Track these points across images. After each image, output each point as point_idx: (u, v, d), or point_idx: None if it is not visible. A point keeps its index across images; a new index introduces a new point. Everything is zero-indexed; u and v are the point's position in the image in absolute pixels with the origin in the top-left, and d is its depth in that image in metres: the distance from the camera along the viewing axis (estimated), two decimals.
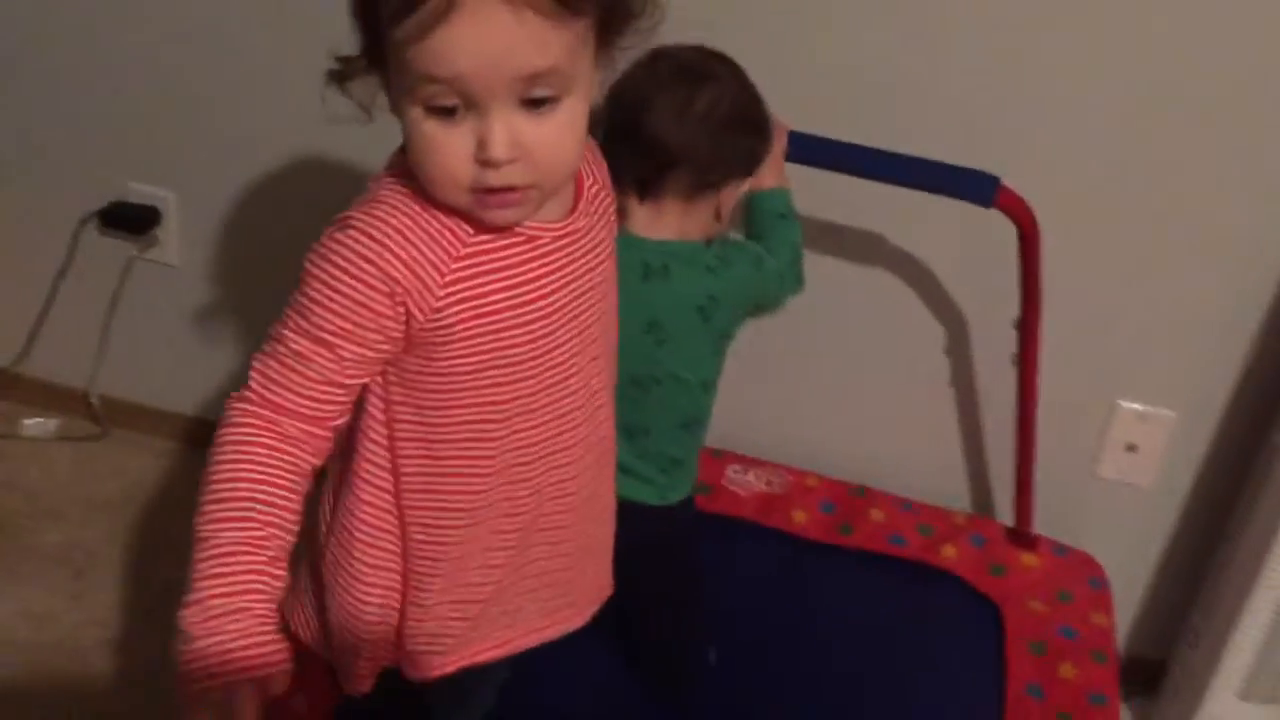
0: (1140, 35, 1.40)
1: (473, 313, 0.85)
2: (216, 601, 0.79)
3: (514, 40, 0.76)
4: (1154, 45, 1.40)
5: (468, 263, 0.85)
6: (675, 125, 1.13)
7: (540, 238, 0.88)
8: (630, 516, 1.22)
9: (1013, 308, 1.46)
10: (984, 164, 1.30)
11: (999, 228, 1.34)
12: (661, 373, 1.19)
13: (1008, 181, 1.29)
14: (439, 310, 0.84)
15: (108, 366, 1.99)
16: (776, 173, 1.27)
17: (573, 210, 0.91)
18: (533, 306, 0.87)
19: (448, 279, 0.84)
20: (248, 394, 0.84)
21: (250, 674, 0.78)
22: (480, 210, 0.83)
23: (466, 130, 0.79)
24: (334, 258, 0.82)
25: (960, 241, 1.55)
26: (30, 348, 2.01)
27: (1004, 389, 1.58)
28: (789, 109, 1.28)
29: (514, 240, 0.87)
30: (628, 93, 1.14)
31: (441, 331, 0.85)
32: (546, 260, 0.88)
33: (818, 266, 1.63)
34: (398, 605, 0.95)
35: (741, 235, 1.29)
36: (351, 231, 0.83)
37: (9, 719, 1.56)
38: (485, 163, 0.79)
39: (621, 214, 1.16)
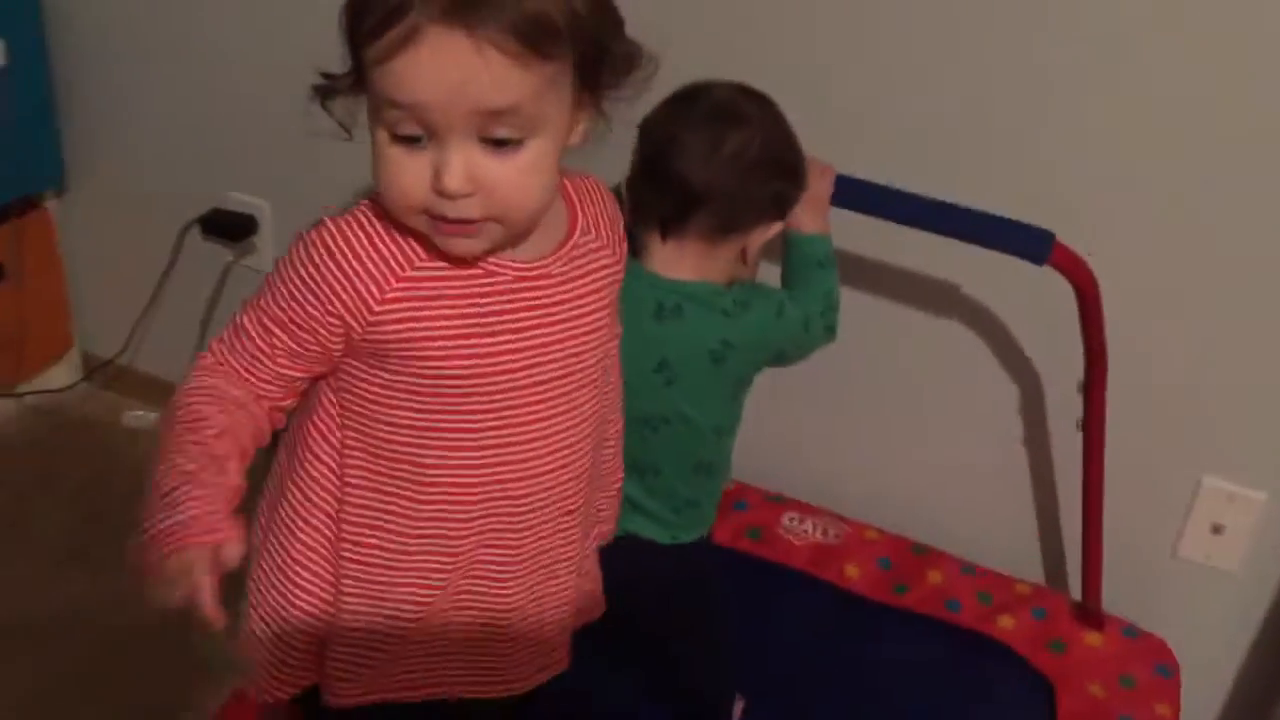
0: (1228, 81, 1.31)
1: (409, 333, 0.85)
2: (175, 491, 0.80)
3: (473, 75, 0.75)
4: (1238, 93, 1.31)
5: (410, 286, 0.84)
6: (702, 166, 1.09)
7: (501, 274, 0.87)
8: (640, 554, 1.21)
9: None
10: (1052, 219, 1.22)
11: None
12: (670, 413, 1.15)
13: (1067, 239, 1.22)
14: (374, 325, 0.84)
15: None
16: (818, 217, 1.22)
17: (551, 255, 0.89)
18: (479, 341, 0.86)
19: (388, 296, 0.84)
20: (210, 346, 0.89)
21: (204, 540, 0.78)
22: (436, 236, 0.83)
23: (426, 159, 0.79)
24: (295, 255, 0.85)
25: (1037, 294, 1.47)
26: (134, 343, 2.10)
27: (1079, 455, 1.49)
28: (835, 153, 1.23)
29: (471, 272, 0.86)
30: (657, 129, 1.11)
31: (379, 345, 0.85)
32: (503, 298, 0.87)
33: (889, 314, 1.59)
34: (325, 615, 0.94)
35: (772, 278, 1.24)
36: (314, 237, 0.85)
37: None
38: (440, 193, 0.79)
39: (642, 250, 1.14)
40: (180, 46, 1.84)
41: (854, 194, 1.25)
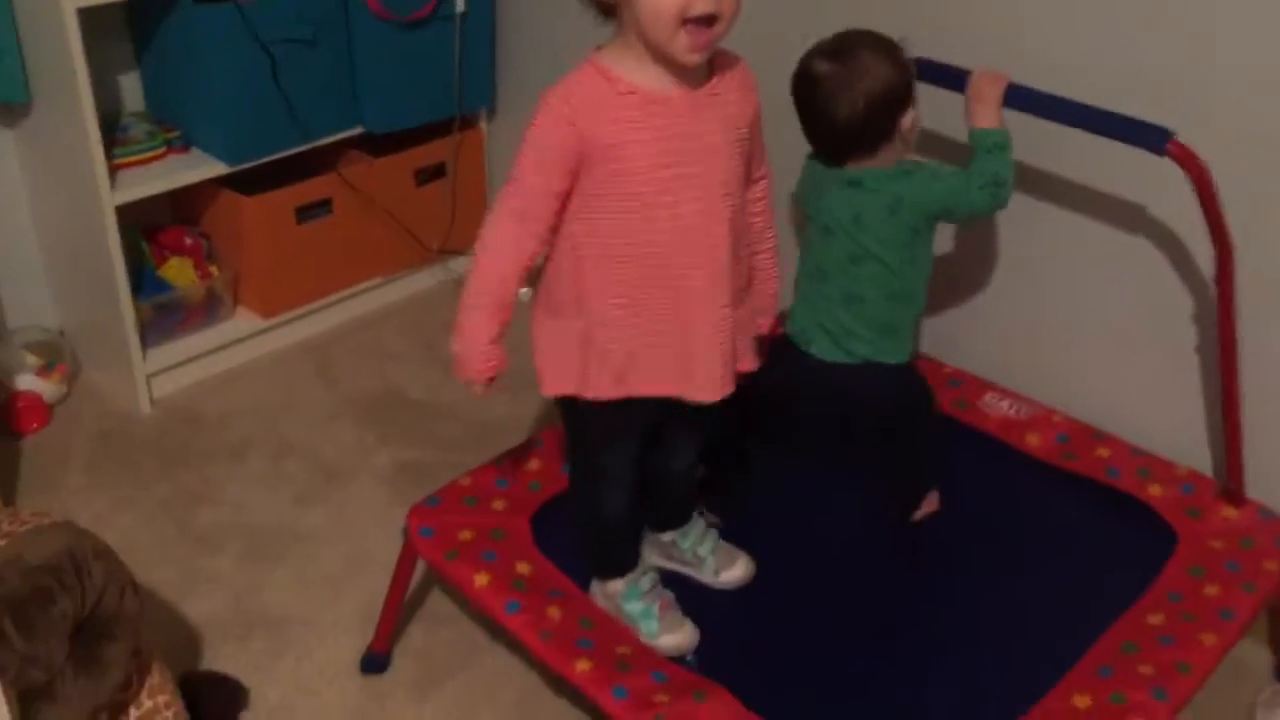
0: None
1: (614, 140, 1.37)
2: (471, 332, 1.44)
3: None
4: None
5: (618, 108, 1.37)
6: (843, 119, 1.60)
7: (669, 99, 1.39)
8: (846, 377, 1.70)
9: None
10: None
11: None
12: (864, 252, 1.64)
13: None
14: (595, 135, 1.37)
15: None
16: (986, 114, 1.64)
17: (699, 89, 1.40)
18: (656, 143, 1.38)
19: (603, 117, 1.37)
20: (500, 205, 1.44)
21: (482, 365, 1.43)
22: (684, 44, 1.32)
23: None
24: (536, 117, 1.40)
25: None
26: None
27: (1249, 363, 1.73)
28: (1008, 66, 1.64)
29: (649, 101, 1.38)
30: (796, 98, 1.65)
31: (598, 151, 1.37)
32: (670, 116, 1.39)
33: (1081, 228, 1.92)
34: (577, 334, 1.48)
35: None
36: (546, 97, 1.39)
37: None
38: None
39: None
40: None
41: (1019, 98, 1.64)
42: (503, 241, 1.43)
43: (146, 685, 1.51)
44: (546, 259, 1.49)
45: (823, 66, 1.62)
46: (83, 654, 1.39)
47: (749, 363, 1.58)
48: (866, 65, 1.60)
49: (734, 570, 1.74)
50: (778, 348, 1.74)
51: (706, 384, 1.51)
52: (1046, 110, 1.64)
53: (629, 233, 1.42)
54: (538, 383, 1.55)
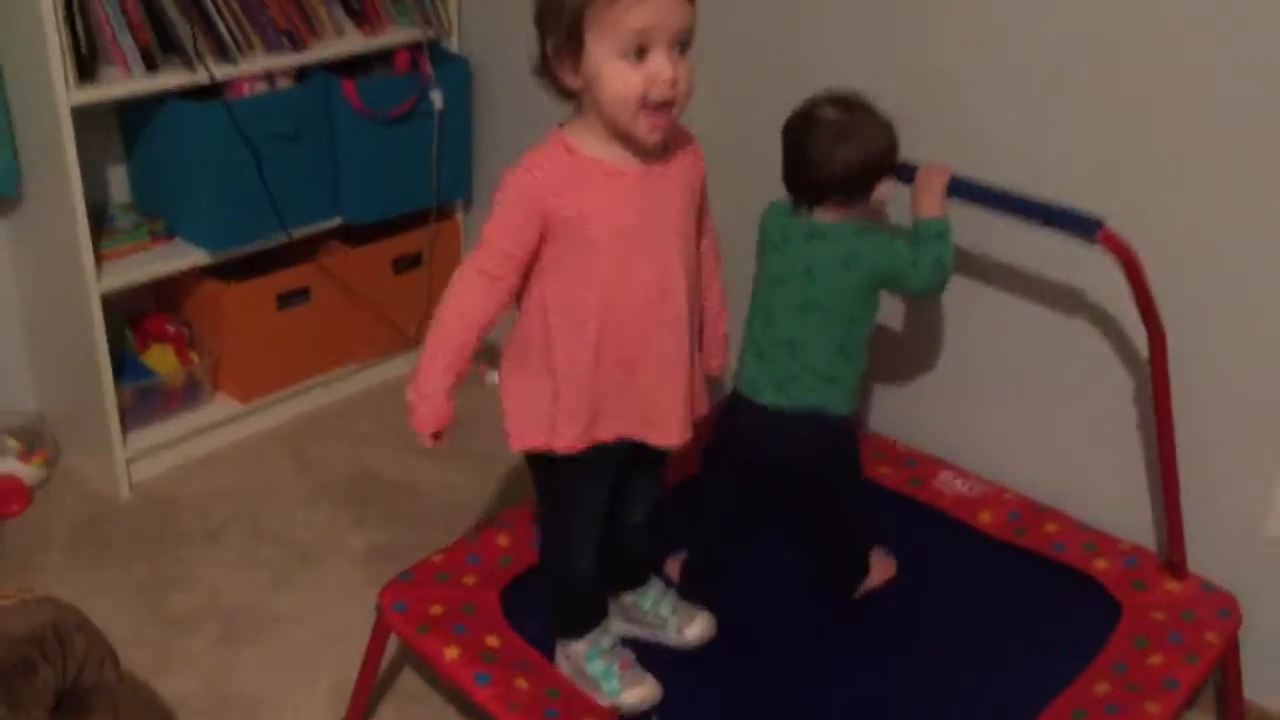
0: None
1: (577, 212, 1.47)
2: (428, 382, 1.52)
3: (676, 8, 1.40)
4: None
5: (579, 181, 1.48)
6: (823, 169, 1.70)
7: (626, 173, 1.49)
8: (789, 422, 1.77)
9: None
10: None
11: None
12: (813, 303, 1.72)
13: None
14: (557, 206, 1.47)
15: None
16: (935, 203, 1.74)
17: (654, 162, 1.51)
18: (616, 214, 1.49)
19: (566, 190, 1.47)
20: (468, 264, 1.53)
21: (433, 418, 1.51)
22: (644, 126, 1.43)
23: (641, 70, 1.40)
24: (502, 186, 1.50)
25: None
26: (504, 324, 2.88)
27: (1188, 439, 1.83)
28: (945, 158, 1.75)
29: (610, 174, 1.48)
30: (789, 139, 1.74)
31: (561, 221, 1.48)
32: (628, 188, 1.49)
33: (1041, 320, 2.02)
34: (547, 388, 1.56)
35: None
36: (513, 170, 1.50)
37: None
38: (661, 81, 1.39)
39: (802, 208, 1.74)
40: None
41: (961, 188, 1.75)
42: (468, 299, 1.52)
43: None
44: (516, 319, 1.58)
45: (830, 113, 1.72)
46: None
47: (702, 405, 1.69)
48: (870, 124, 1.72)
49: (695, 627, 1.81)
50: (729, 401, 1.83)
51: (672, 428, 1.61)
52: (986, 200, 1.75)
53: (594, 295, 1.52)
54: (506, 438, 1.63)
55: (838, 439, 1.82)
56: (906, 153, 1.78)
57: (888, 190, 1.76)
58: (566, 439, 1.58)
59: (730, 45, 2.22)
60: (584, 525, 1.68)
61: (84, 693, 1.46)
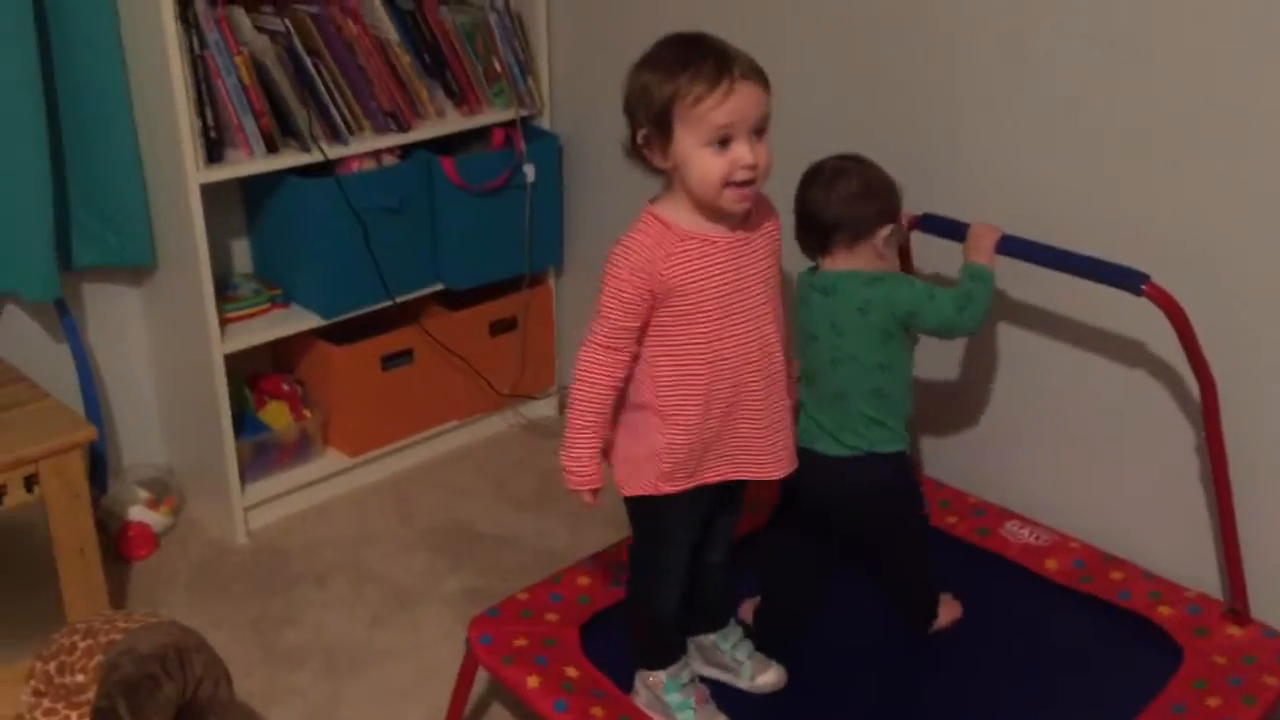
0: None
1: (681, 280, 1.61)
2: (581, 449, 1.66)
3: (756, 101, 1.56)
4: None
5: (680, 253, 1.62)
6: (825, 207, 1.83)
7: (718, 241, 1.63)
8: (847, 466, 1.87)
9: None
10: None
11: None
12: (844, 355, 1.83)
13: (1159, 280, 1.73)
14: (664, 278, 1.61)
15: None
16: (980, 254, 1.85)
17: (739, 229, 1.64)
18: (715, 278, 1.62)
19: (669, 262, 1.61)
20: (591, 341, 1.67)
21: (588, 483, 1.66)
22: (728, 202, 1.59)
23: (725, 156, 1.56)
24: (613, 266, 1.64)
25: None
26: None
27: (1248, 487, 1.89)
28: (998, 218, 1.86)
29: (704, 242, 1.62)
30: (801, 195, 1.87)
31: (668, 290, 1.62)
32: (721, 254, 1.63)
33: (1100, 369, 2.09)
34: (659, 439, 1.69)
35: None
36: (620, 249, 1.64)
37: None
38: (744, 167, 1.56)
39: (816, 262, 1.88)
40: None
41: (1012, 246, 1.85)
42: (599, 371, 1.67)
43: None
44: (628, 379, 1.72)
45: (833, 161, 1.87)
46: None
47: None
48: (870, 170, 1.86)
49: (768, 675, 1.90)
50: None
51: (775, 463, 1.76)
52: (1035, 256, 1.85)
53: (698, 352, 1.66)
54: (617, 486, 1.77)
55: (894, 476, 1.91)
56: (965, 215, 1.89)
57: (889, 234, 1.84)
58: (673, 484, 1.72)
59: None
60: (672, 560, 1.80)
61: (201, 707, 1.62)
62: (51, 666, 1.69)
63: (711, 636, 1.93)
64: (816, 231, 1.85)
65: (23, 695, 1.73)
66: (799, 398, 1.92)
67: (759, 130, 1.58)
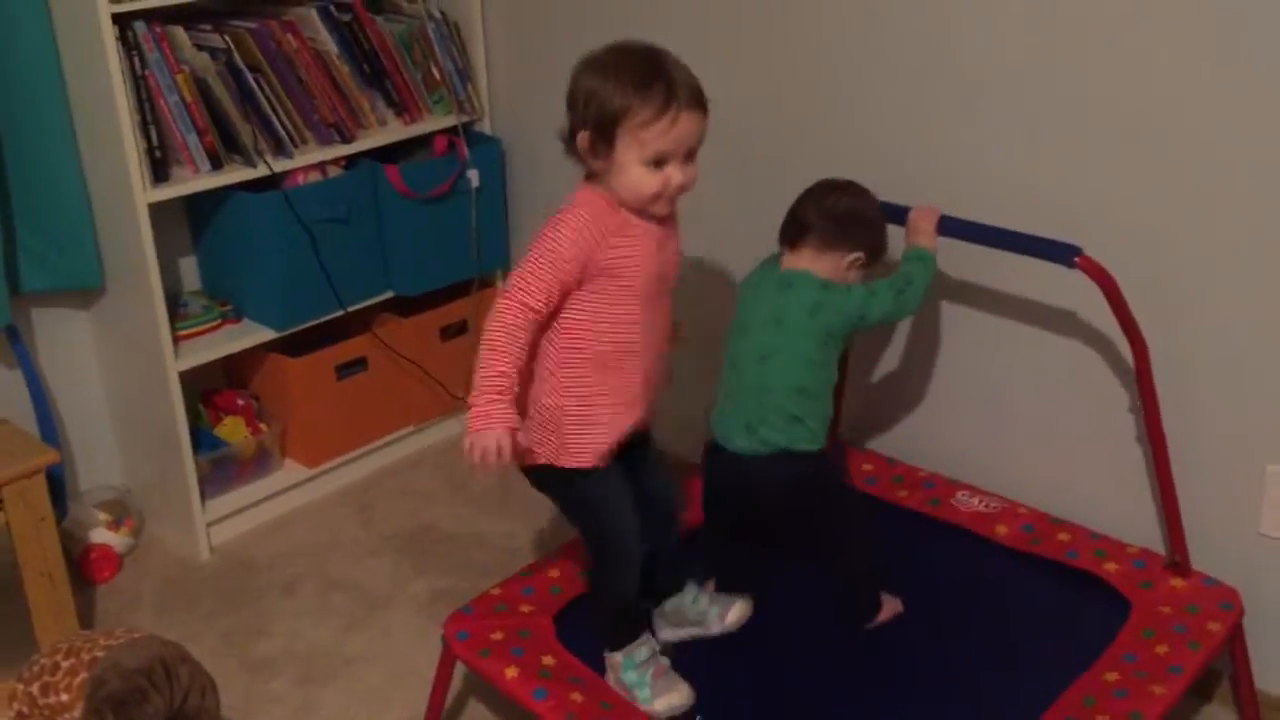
0: None
1: (615, 260, 1.69)
2: (488, 395, 1.67)
3: (694, 129, 1.65)
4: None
5: (616, 233, 1.70)
6: (812, 211, 1.92)
7: (650, 229, 1.73)
8: (759, 465, 1.93)
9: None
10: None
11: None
12: (776, 350, 1.90)
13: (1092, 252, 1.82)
14: (600, 253, 1.69)
15: None
16: (921, 237, 1.94)
17: (663, 223, 1.75)
18: (643, 261, 1.72)
19: (607, 241, 1.69)
20: (507, 295, 1.71)
21: (502, 423, 1.64)
22: (654, 206, 1.69)
23: (660, 174, 1.66)
24: (554, 229, 1.70)
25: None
26: None
27: (1183, 444, 1.98)
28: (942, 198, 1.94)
29: (639, 229, 1.71)
30: (802, 196, 1.96)
31: (600, 269, 1.70)
32: (651, 241, 1.73)
33: (1041, 341, 2.18)
34: (568, 409, 1.77)
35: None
36: (565, 216, 1.71)
37: None
38: (676, 187, 1.68)
39: (780, 258, 1.96)
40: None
41: (951, 226, 1.94)
42: (513, 321, 1.69)
43: None
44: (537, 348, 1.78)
45: (842, 181, 1.97)
46: None
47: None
48: (864, 202, 1.96)
49: (734, 612, 1.97)
50: (707, 450, 2.01)
51: (647, 412, 1.87)
52: (973, 235, 1.94)
53: (612, 326, 1.75)
54: (524, 458, 1.80)
55: (813, 475, 1.96)
56: (906, 198, 1.97)
57: (854, 262, 1.93)
58: (579, 457, 1.80)
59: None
60: (622, 544, 1.85)
61: (189, 717, 1.64)
62: (35, 688, 1.70)
63: (673, 600, 2.00)
64: (795, 224, 1.94)
65: (5, 718, 1.74)
66: (721, 391, 1.99)
67: (691, 153, 1.70)
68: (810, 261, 1.92)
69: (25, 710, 1.72)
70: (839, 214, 1.91)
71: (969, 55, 2.11)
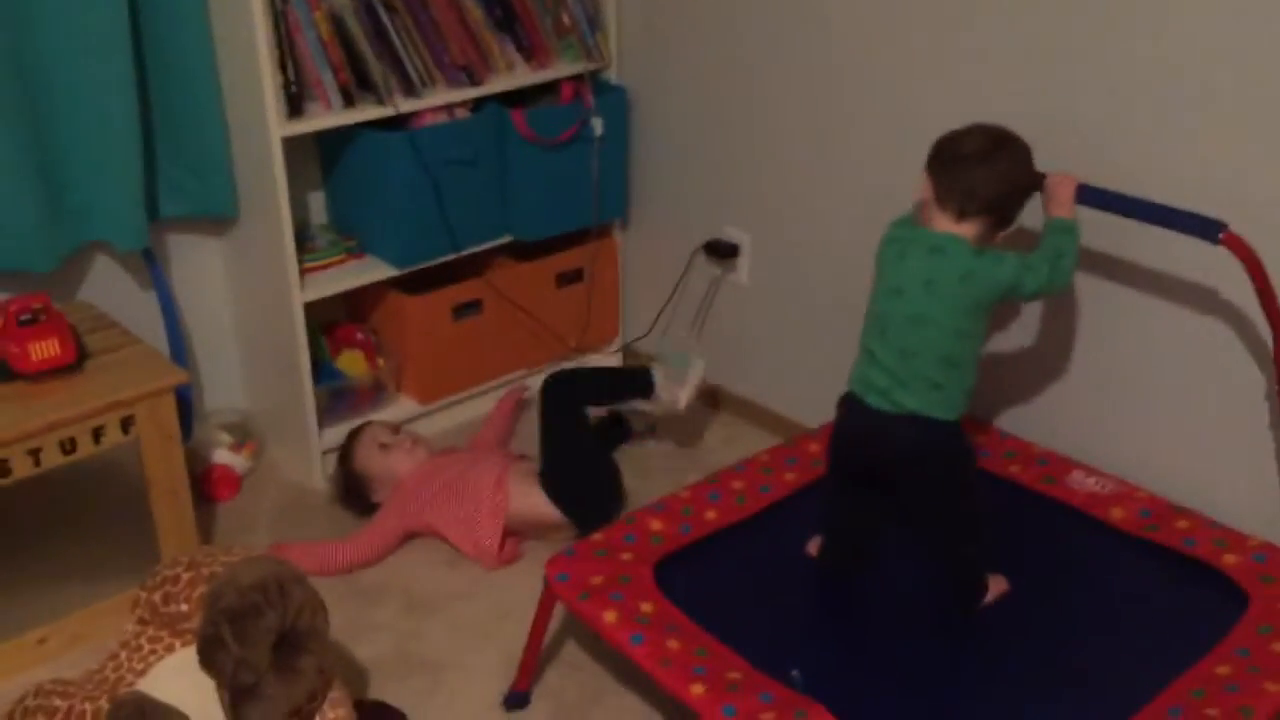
0: None
1: None
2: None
3: None
4: None
5: None
6: (983, 184, 1.84)
7: None
8: (894, 423, 1.89)
9: None
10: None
11: None
12: (926, 315, 1.84)
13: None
14: None
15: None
16: (1064, 208, 1.88)
17: None
18: None
19: None
20: None
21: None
22: None
23: None
24: None
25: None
26: (655, 329, 3.08)
27: None
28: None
29: None
30: (955, 150, 1.88)
31: None
32: None
33: (1177, 322, 2.11)
34: None
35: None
36: None
37: None
38: None
39: (928, 220, 1.88)
40: (715, 129, 2.81)
41: (1090, 195, 1.87)
42: None
43: (329, 699, 1.78)
44: None
45: (1001, 132, 1.89)
46: (282, 662, 1.67)
47: None
48: (1026, 155, 1.91)
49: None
50: (842, 403, 1.97)
51: None
52: (1112, 205, 1.87)
53: None
54: None
55: (944, 443, 1.91)
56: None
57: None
58: None
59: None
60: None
61: (299, 635, 1.70)
62: (157, 596, 1.78)
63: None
64: (968, 191, 1.84)
65: (128, 624, 1.83)
66: (863, 349, 1.94)
67: None
68: (961, 227, 1.85)
69: (147, 617, 1.80)
70: (1005, 188, 1.85)
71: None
